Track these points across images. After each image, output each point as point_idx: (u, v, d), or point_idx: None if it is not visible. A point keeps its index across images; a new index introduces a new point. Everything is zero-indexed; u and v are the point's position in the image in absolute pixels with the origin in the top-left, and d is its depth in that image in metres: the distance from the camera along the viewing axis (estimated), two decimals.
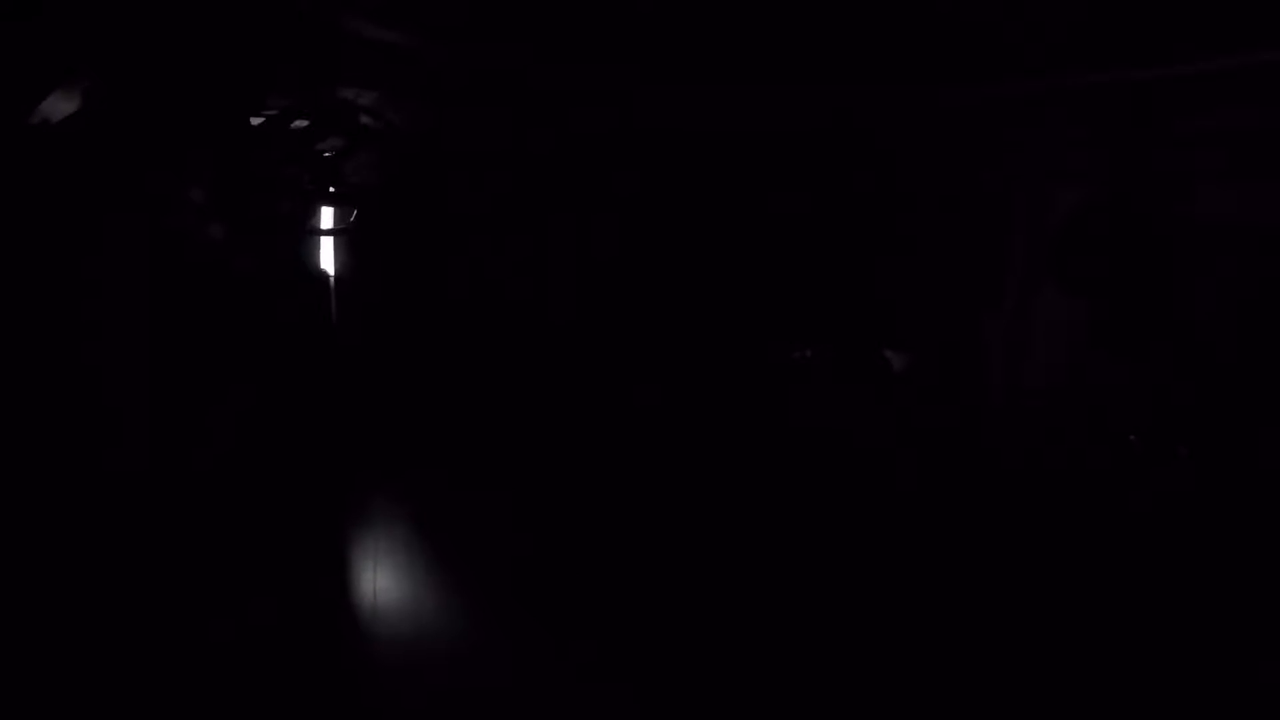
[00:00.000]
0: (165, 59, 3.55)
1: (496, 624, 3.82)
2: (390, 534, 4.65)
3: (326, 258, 5.29)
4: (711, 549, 4.80)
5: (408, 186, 5.19)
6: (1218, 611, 3.81)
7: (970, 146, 5.12)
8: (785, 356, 6.24)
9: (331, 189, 4.78)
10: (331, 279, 5.33)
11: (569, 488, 5.55)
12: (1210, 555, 4.23)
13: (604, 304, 6.51)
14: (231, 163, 3.87)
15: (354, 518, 4.75)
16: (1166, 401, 4.63)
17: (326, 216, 5.20)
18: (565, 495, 5.42)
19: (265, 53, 3.86)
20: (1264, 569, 4.05)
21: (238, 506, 4.04)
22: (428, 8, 3.89)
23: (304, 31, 3.73)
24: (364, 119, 4.40)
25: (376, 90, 4.38)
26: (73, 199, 3.37)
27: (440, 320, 5.60)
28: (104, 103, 3.36)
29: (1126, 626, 3.80)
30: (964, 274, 5.69)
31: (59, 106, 3.30)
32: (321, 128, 4.24)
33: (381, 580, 4.09)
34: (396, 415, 5.56)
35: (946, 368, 5.91)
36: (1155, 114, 4.07)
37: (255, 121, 3.98)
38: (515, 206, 5.66)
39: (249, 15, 3.68)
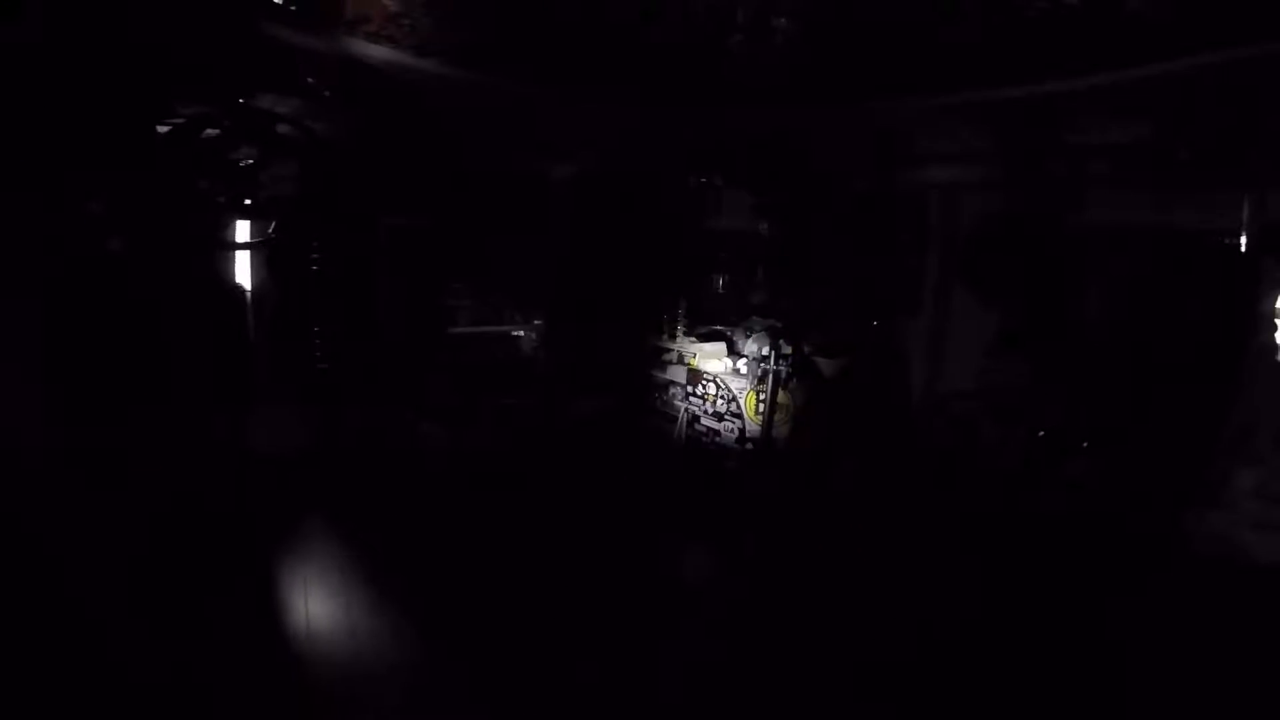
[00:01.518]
0: (59, 61, 3.32)
1: (434, 643, 3.72)
2: (319, 556, 4.46)
3: (243, 273, 5.06)
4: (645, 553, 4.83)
5: (331, 198, 5.02)
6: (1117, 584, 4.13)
7: (890, 159, 5.38)
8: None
9: (247, 201, 4.57)
10: (247, 294, 5.08)
11: (501, 504, 5.50)
12: (1111, 536, 4.56)
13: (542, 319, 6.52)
14: (134, 173, 3.64)
15: (280, 542, 4.53)
16: (1068, 398, 4.95)
17: (243, 229, 4.96)
18: (500, 511, 5.36)
19: (171, 57, 3.66)
20: (1155, 547, 4.40)
21: (155, 536, 3.78)
22: (352, 15, 3.79)
23: (217, 35, 3.56)
24: (282, 128, 4.23)
25: (297, 99, 4.22)
26: None
27: (366, 337, 5.43)
28: None
29: (1047, 602, 4.06)
30: (886, 281, 5.95)
31: None
32: (235, 137, 4.05)
33: (314, 605, 3.92)
34: (322, 436, 5.34)
35: (873, 372, 6.13)
36: (1050, 126, 4.39)
37: (162, 130, 3.76)
38: (452, 220, 5.58)
39: (153, 16, 3.49)
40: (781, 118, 5.02)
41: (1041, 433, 5.22)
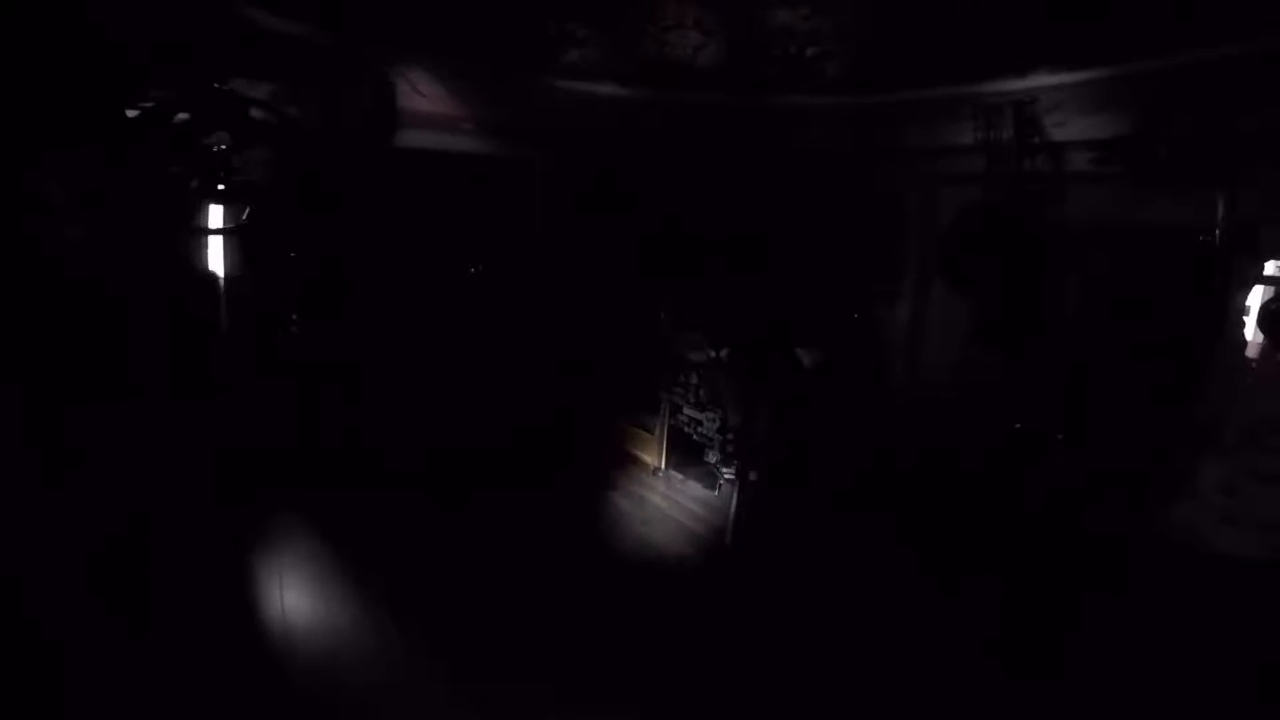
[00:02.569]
0: (21, 40, 3.21)
1: (410, 636, 3.70)
2: (294, 549, 4.40)
3: (216, 259, 4.94)
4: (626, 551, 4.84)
5: (307, 183, 4.90)
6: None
7: (871, 153, 5.40)
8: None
9: (220, 186, 4.46)
10: (220, 281, 4.97)
11: (476, 492, 5.48)
12: (1084, 527, 4.65)
13: (521, 307, 6.45)
14: (98, 158, 3.53)
15: (255, 535, 4.46)
16: (1044, 392, 5.02)
17: (217, 215, 4.85)
18: (471, 499, 5.34)
19: (140, 38, 3.55)
20: (1124, 538, 4.50)
21: (128, 530, 3.71)
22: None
23: (188, 17, 3.46)
24: (254, 112, 4.13)
25: (273, 83, 4.11)
26: None
27: (340, 325, 5.33)
28: None
29: (1019, 593, 4.14)
30: (866, 274, 5.98)
31: None
32: (205, 121, 3.94)
33: (289, 598, 3.88)
34: (294, 425, 5.26)
35: (852, 363, 6.17)
36: (1031, 121, 4.42)
37: (132, 114, 3.65)
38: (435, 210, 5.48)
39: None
40: (766, 108, 5.01)
41: (1017, 425, 5.30)
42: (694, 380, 6.31)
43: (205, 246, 4.88)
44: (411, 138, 5.32)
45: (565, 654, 3.60)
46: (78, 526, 3.42)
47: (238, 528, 4.45)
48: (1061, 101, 3.95)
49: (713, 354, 6.23)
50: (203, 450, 4.49)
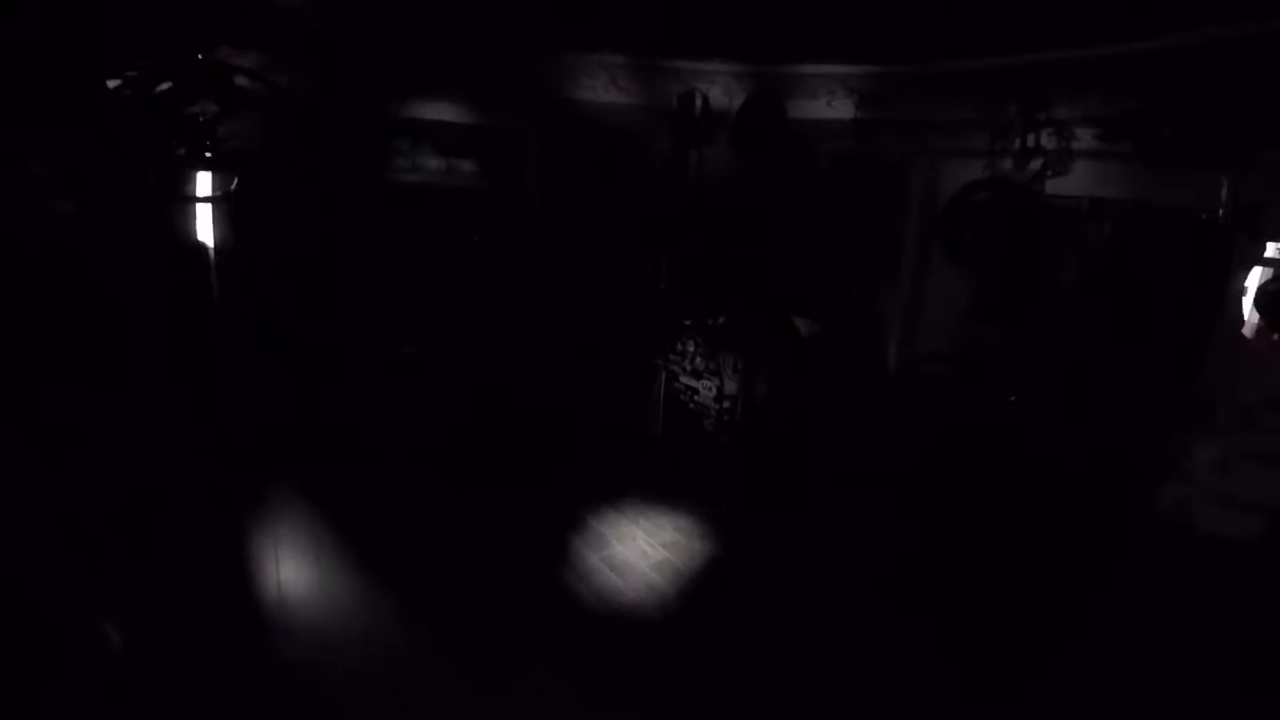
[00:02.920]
0: None
1: (407, 604, 3.76)
2: (289, 521, 4.46)
3: (205, 230, 4.88)
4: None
5: (296, 152, 4.82)
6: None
7: (871, 124, 5.28)
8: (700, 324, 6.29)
9: (207, 154, 4.38)
10: (211, 252, 4.93)
11: (470, 464, 5.52)
12: (1077, 502, 4.67)
13: (513, 279, 6.40)
14: (79, 129, 3.45)
15: (249, 508, 4.52)
16: (1041, 366, 4.99)
17: (204, 185, 4.78)
18: (465, 471, 5.38)
19: (116, 8, 3.44)
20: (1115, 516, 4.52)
21: (123, 504, 3.75)
22: None
23: None
24: (240, 80, 4.03)
25: (261, 51, 3.99)
26: None
27: (333, 295, 5.31)
28: None
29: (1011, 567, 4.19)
30: (865, 244, 5.90)
31: None
32: (189, 90, 3.85)
33: (285, 570, 3.94)
34: (285, 397, 5.27)
35: (850, 334, 6.14)
36: (1035, 96, 4.30)
37: (113, 84, 3.56)
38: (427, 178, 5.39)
39: None
40: (766, 78, 4.88)
41: (1012, 398, 5.28)
42: (691, 348, 6.31)
43: (194, 216, 4.82)
44: (408, 108, 5.23)
45: (551, 630, 3.67)
46: (75, 504, 3.46)
47: (236, 503, 4.51)
48: (1067, 78, 3.83)
49: (710, 322, 6.21)
50: (200, 424, 4.51)
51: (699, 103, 5.82)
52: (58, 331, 3.36)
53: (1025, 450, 4.94)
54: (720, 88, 5.45)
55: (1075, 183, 4.64)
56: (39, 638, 2.57)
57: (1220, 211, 3.79)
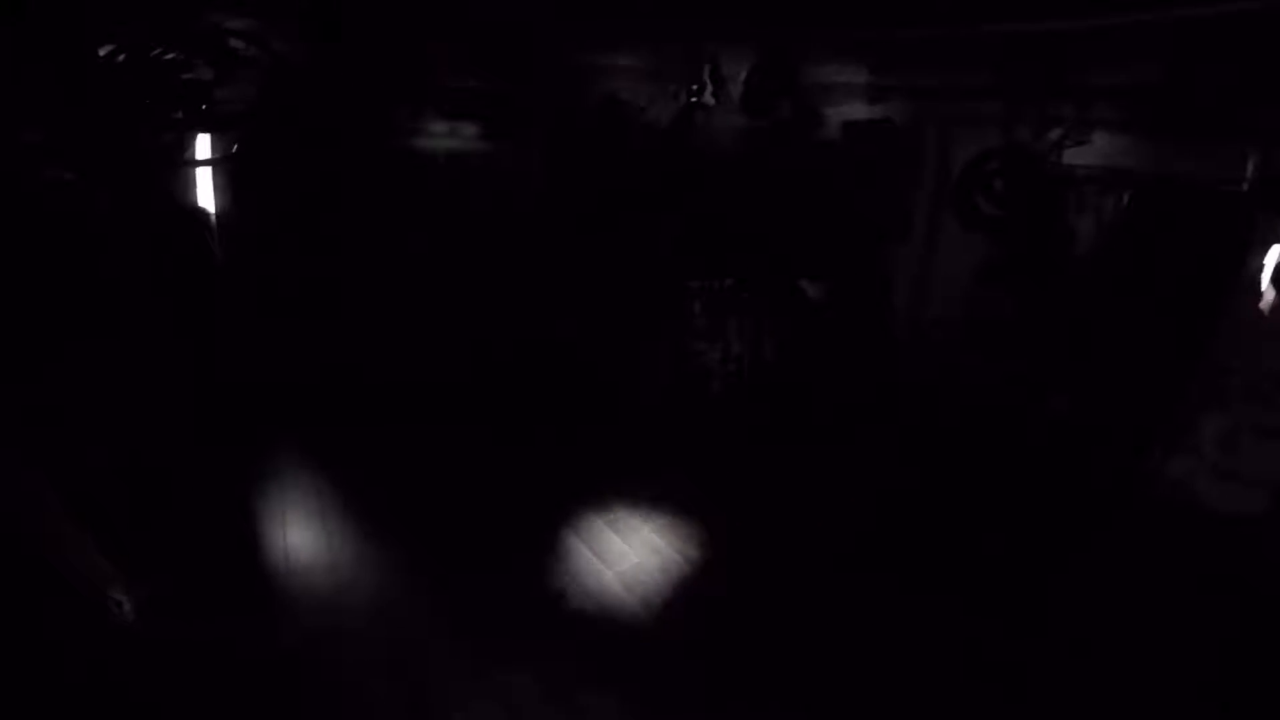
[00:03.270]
0: None
1: (413, 572, 3.83)
2: (296, 487, 4.53)
3: (206, 196, 4.84)
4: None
5: (295, 115, 4.73)
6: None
7: (885, 89, 5.11)
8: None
9: (205, 117, 4.31)
10: (211, 215, 4.90)
11: (475, 426, 5.54)
12: (1083, 472, 4.67)
13: (523, 241, 6.33)
14: (73, 96, 3.40)
15: (256, 473, 4.59)
16: (1051, 335, 4.93)
17: (204, 147, 4.72)
18: (471, 434, 5.42)
19: None
20: (1119, 488, 4.52)
21: (130, 470, 3.82)
22: None
23: None
24: (235, 43, 3.93)
25: (257, 17, 3.88)
26: None
27: (336, 261, 5.27)
28: None
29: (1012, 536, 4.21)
30: (874, 208, 5.78)
31: None
32: (182, 54, 3.76)
33: (293, 536, 4.02)
34: (290, 364, 5.29)
35: (859, 297, 6.07)
36: (1054, 65, 4.13)
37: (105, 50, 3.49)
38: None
39: None
40: (776, 39, 4.70)
41: (1022, 366, 5.23)
42: (696, 310, 6.26)
43: (194, 179, 4.78)
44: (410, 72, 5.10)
45: (567, 589, 3.74)
46: (75, 463, 3.51)
47: (237, 463, 4.57)
48: (1089, 45, 3.66)
49: (717, 285, 6.15)
50: (201, 385, 4.55)
51: (708, 64, 5.64)
52: (58, 298, 3.38)
53: (1032, 419, 4.93)
54: (730, 49, 5.26)
55: (1094, 152, 4.50)
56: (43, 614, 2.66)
57: (1244, 185, 3.67)
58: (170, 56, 3.73)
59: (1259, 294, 3.78)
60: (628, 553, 4.13)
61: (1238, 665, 3.27)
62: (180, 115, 4.23)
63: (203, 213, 4.86)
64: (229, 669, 2.97)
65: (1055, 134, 4.52)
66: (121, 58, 3.53)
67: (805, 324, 6.18)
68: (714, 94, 5.54)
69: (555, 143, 6.29)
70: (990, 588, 3.86)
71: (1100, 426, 4.63)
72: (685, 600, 3.75)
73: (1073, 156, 4.59)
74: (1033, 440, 4.84)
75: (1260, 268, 3.73)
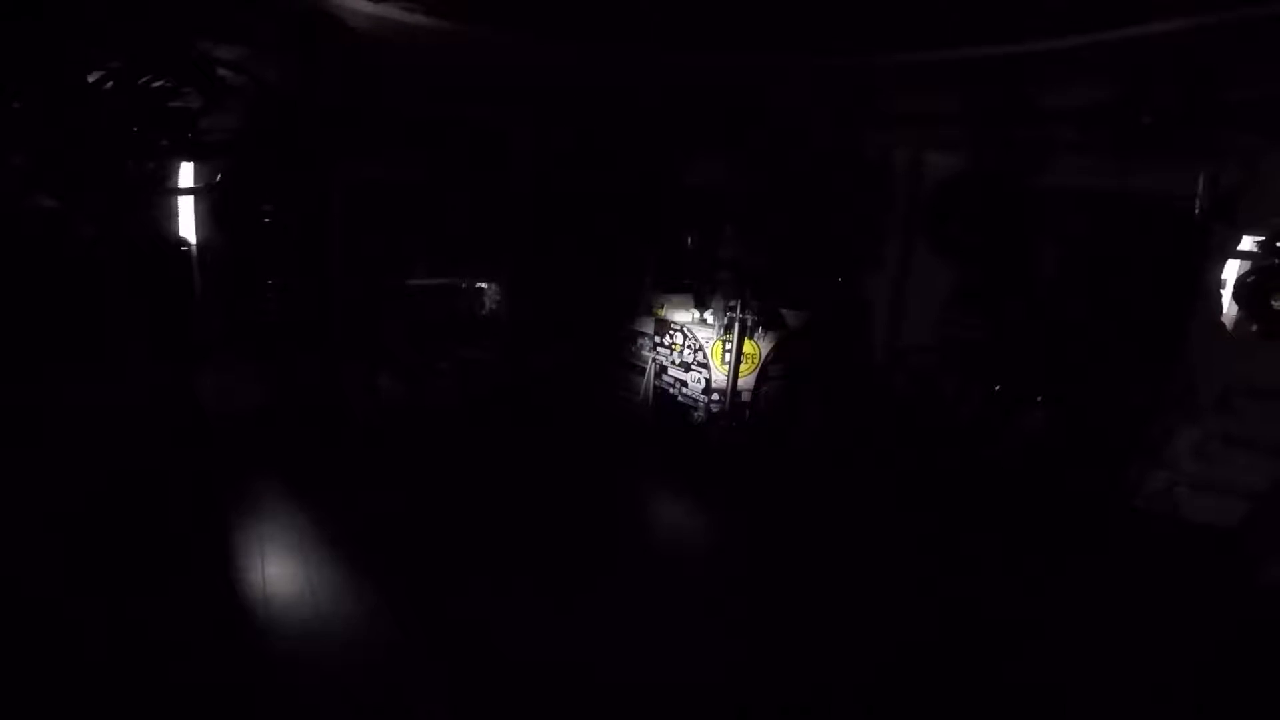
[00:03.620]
0: None
1: (395, 602, 3.75)
2: (274, 520, 4.43)
3: (188, 222, 4.84)
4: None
5: (281, 143, 4.78)
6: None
7: (855, 115, 5.29)
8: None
9: (190, 146, 4.35)
10: (192, 245, 4.89)
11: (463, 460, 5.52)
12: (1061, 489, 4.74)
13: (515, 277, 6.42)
14: (56, 123, 3.41)
15: (235, 506, 4.49)
16: (1023, 354, 5.05)
17: (187, 176, 4.74)
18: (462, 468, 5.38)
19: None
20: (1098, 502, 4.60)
21: (107, 502, 3.73)
22: None
23: None
24: (223, 73, 3.99)
25: (246, 46, 3.95)
26: None
27: (319, 289, 5.27)
28: None
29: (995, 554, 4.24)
30: (852, 236, 5.93)
31: None
32: (168, 82, 3.81)
33: (271, 568, 3.92)
34: (276, 392, 5.23)
35: (837, 324, 6.18)
36: (1018, 88, 4.32)
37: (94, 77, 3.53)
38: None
39: None
40: (747, 70, 4.87)
41: (997, 387, 5.34)
42: (679, 340, 6.33)
43: (177, 208, 4.78)
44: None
45: (550, 617, 3.68)
46: (56, 487, 3.43)
47: (218, 489, 4.47)
48: (1048, 68, 3.86)
49: (697, 315, 6.23)
50: (182, 413, 4.48)
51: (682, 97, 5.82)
52: (38, 323, 3.35)
53: (1008, 437, 5.01)
54: (704, 81, 5.44)
55: (1055, 173, 4.68)
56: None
57: (1198, 200, 3.84)
58: (159, 84, 3.77)
59: (1222, 308, 3.93)
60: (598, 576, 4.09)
61: (1216, 674, 3.29)
62: (166, 142, 4.26)
63: (182, 241, 4.84)
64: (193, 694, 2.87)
65: (1017, 156, 4.69)
66: (110, 84, 3.57)
67: (784, 351, 6.26)
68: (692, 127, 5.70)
69: (540, 175, 6.41)
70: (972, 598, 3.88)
71: (1077, 442, 4.73)
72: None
73: (1036, 178, 4.76)
74: (1011, 455, 4.92)
75: (1220, 282, 3.88)
